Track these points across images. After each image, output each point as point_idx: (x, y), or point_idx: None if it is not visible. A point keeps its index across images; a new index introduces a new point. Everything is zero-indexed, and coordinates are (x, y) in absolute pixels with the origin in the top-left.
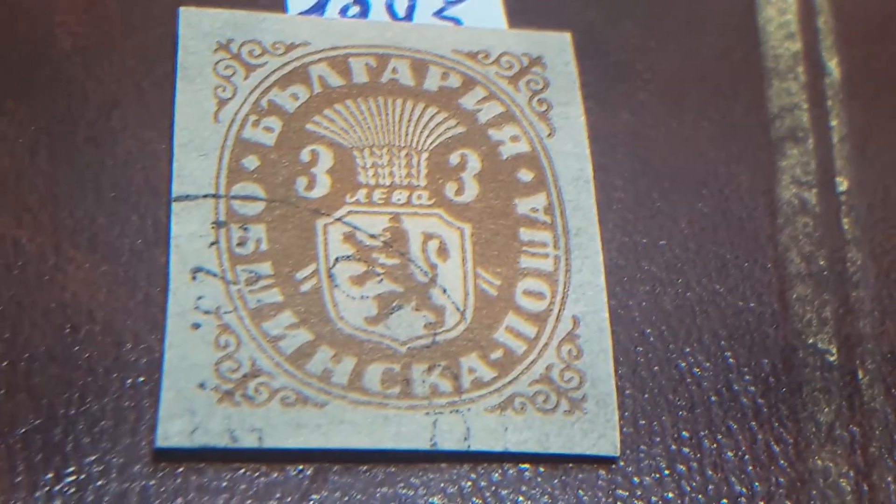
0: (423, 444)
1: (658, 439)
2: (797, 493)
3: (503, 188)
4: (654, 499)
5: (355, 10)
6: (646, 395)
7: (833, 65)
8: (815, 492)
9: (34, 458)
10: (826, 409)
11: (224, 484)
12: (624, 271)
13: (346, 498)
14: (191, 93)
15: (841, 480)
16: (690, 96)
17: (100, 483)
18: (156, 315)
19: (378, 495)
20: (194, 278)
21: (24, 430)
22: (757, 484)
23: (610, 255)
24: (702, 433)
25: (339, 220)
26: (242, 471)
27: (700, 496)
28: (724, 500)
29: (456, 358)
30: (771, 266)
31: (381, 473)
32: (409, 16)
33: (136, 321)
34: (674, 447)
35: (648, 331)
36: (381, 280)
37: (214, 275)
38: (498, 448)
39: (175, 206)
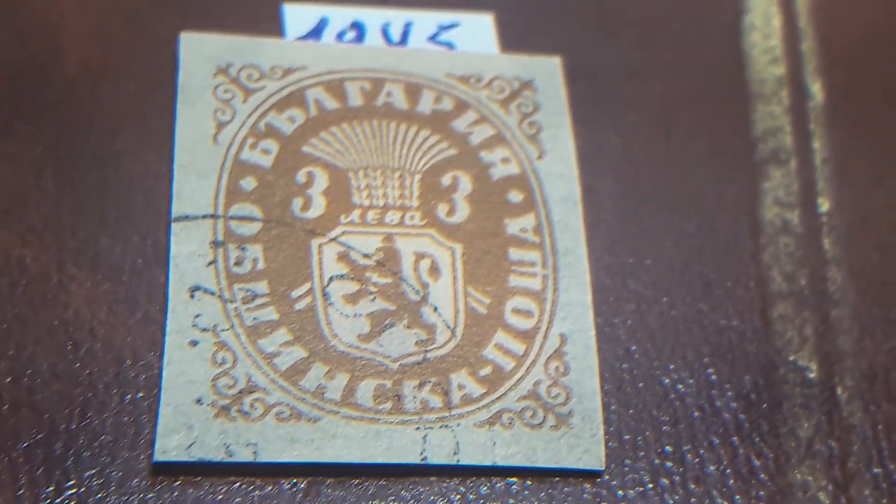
0: (413, 458)
1: (642, 454)
2: None
3: (493, 209)
4: None
5: (351, 35)
6: (630, 411)
7: (816, 89)
8: None
9: (36, 471)
10: (806, 425)
11: (220, 497)
12: (610, 290)
13: None
14: (191, 115)
15: (820, 494)
16: (677, 119)
17: (99, 496)
18: (155, 333)
19: None
20: (192, 297)
21: (26, 444)
22: (738, 497)
23: (597, 275)
24: (685, 448)
25: (333, 239)
26: (238, 484)
27: None
28: None
29: (446, 374)
30: (753, 285)
31: (373, 487)
32: (404, 41)
33: (135, 338)
34: (657, 461)
35: (633, 348)
36: (374, 298)
37: (212, 293)
38: (486, 462)
39: (174, 227)
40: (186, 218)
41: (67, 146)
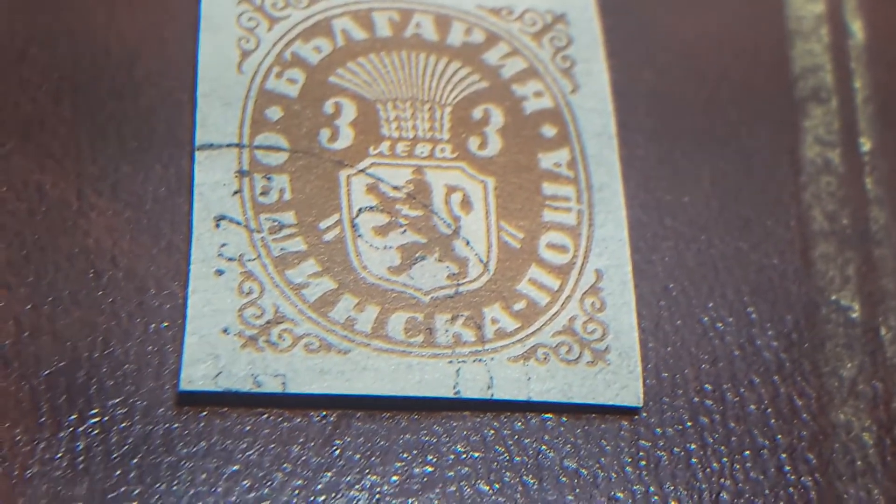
0: (446, 391)
1: (681, 391)
2: (819, 446)
3: (526, 143)
4: (676, 450)
5: None
6: (668, 348)
7: (856, 27)
8: (837, 445)
9: (58, 399)
10: (849, 365)
11: (247, 428)
12: (647, 227)
13: (369, 444)
14: (214, 43)
15: (864, 434)
16: (714, 55)
17: (124, 425)
18: (179, 262)
19: (401, 441)
20: (218, 226)
21: (48, 371)
22: (780, 436)
23: (633, 211)
24: (725, 386)
25: (362, 171)
26: (266, 415)
27: (722, 448)
28: (747, 452)
29: (479, 308)
30: (794, 224)
31: (405, 420)
32: None
33: (159, 267)
34: (696, 399)
35: (671, 285)
36: (405, 231)
37: (238, 223)
38: (521, 397)
39: (198, 155)
40: (211, 146)
41: (85, 72)
